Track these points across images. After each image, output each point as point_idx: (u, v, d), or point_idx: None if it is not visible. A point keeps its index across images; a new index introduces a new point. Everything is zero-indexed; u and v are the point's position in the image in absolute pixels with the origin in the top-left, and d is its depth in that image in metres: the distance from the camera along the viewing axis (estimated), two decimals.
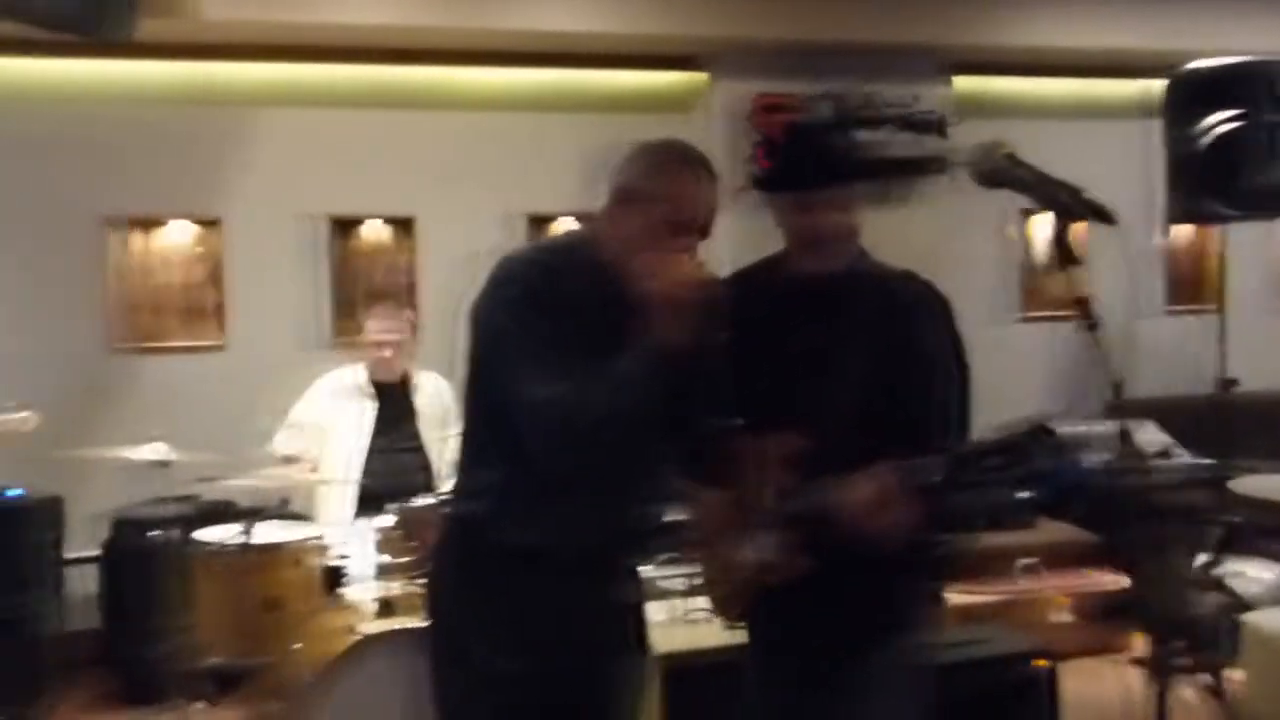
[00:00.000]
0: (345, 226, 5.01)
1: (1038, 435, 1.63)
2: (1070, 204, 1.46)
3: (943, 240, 4.83)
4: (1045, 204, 1.52)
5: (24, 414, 2.99)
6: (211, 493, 3.99)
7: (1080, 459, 3.77)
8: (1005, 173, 1.48)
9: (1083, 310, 1.36)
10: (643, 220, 1.83)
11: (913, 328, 1.95)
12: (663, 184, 1.84)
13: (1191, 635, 3.34)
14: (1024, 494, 4.38)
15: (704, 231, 1.87)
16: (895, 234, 2.58)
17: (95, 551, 4.34)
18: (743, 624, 2.16)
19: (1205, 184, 4.28)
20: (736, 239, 5.03)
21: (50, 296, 4.67)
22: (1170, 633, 3.04)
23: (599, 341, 1.76)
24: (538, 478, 1.79)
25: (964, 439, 1.93)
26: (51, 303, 4.67)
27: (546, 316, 1.76)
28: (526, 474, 1.79)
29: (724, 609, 2.17)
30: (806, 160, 2.03)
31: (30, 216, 4.62)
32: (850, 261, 2.03)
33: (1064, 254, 1.40)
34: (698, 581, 2.23)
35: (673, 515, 2.16)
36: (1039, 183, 1.48)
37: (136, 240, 4.80)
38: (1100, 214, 1.47)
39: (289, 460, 3.72)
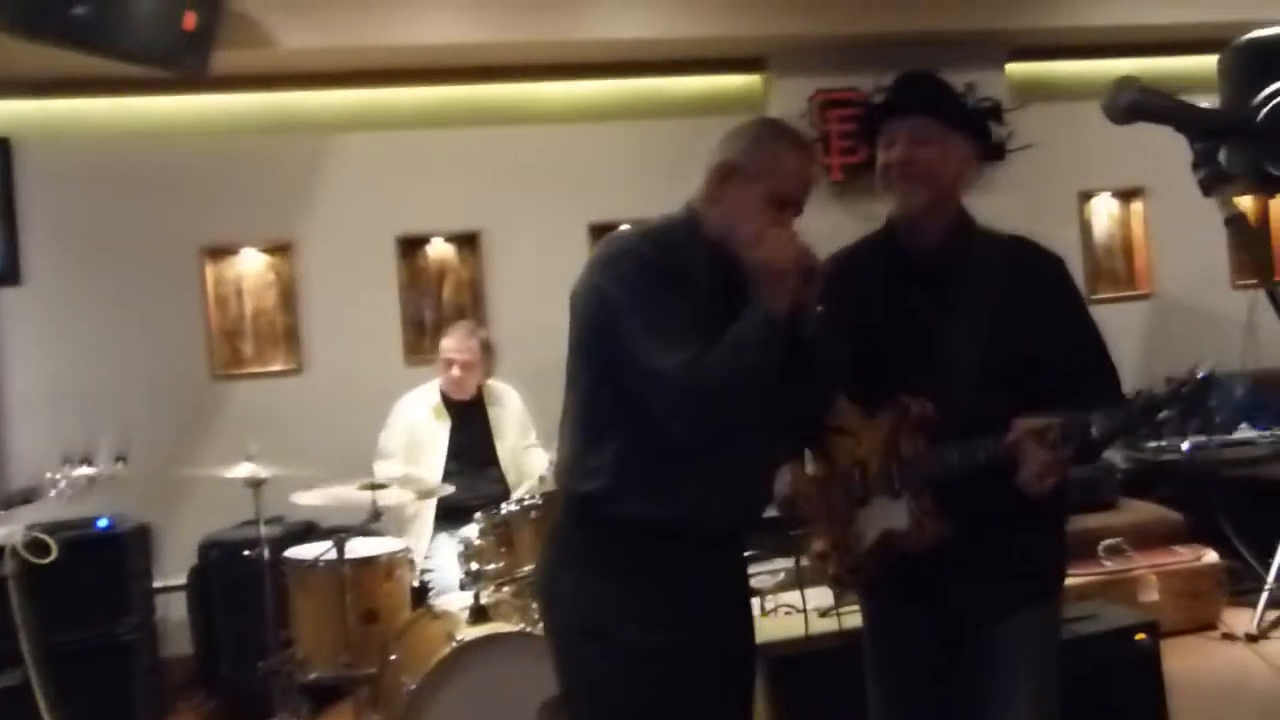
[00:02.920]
0: (413, 245, 5.09)
1: (1208, 385, 1.67)
2: (1213, 123, 1.47)
3: (1012, 226, 4.78)
4: (1186, 129, 1.52)
5: (119, 464, 3.05)
6: (296, 514, 4.09)
7: None
8: (1141, 104, 1.49)
9: (1239, 225, 1.39)
10: (745, 195, 1.87)
11: (1032, 285, 2.01)
12: (763, 159, 1.89)
13: None
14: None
15: (801, 206, 1.93)
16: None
17: (183, 579, 4.45)
18: (863, 594, 2.18)
19: (1264, 152, 4.21)
20: (820, 228, 5.08)
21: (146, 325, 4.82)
22: None
23: (711, 313, 1.81)
24: (661, 450, 1.80)
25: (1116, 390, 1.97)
26: (150, 331, 4.82)
27: (663, 289, 1.80)
28: (649, 447, 1.81)
29: (846, 582, 2.16)
30: (914, 91, 2.12)
31: (122, 248, 4.78)
32: (953, 230, 2.07)
33: (1216, 174, 1.41)
34: (808, 558, 2.20)
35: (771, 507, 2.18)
36: (1177, 109, 1.49)
37: (227, 268, 4.95)
38: (1238, 128, 1.47)
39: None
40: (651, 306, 1.79)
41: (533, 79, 5.00)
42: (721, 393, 1.76)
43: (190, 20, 3.88)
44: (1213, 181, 1.44)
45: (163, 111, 4.76)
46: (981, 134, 2.15)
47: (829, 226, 5.61)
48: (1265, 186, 4.49)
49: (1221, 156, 1.54)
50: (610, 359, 1.83)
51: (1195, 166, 1.46)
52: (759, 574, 3.86)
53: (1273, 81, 4.32)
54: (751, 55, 5.22)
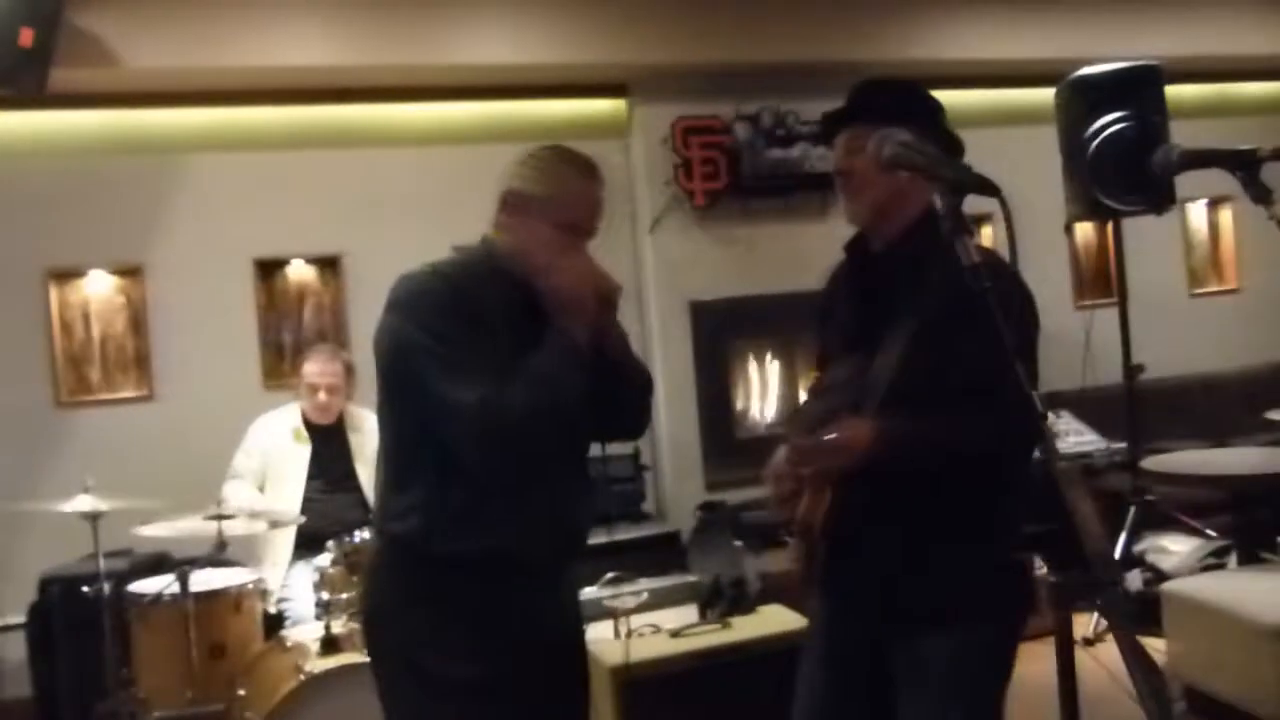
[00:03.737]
0: (270, 269, 4.98)
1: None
2: (958, 179, 1.60)
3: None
4: (936, 180, 1.65)
5: None
6: (146, 545, 3.94)
7: None
8: (900, 157, 1.60)
9: (975, 277, 1.47)
10: (535, 223, 1.89)
11: (964, 300, 1.70)
12: (550, 186, 1.91)
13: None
14: None
15: (593, 231, 1.95)
16: None
17: (23, 617, 4.22)
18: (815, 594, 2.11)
19: (1096, 181, 4.48)
20: (683, 253, 5.20)
21: None
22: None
23: (512, 344, 1.83)
24: (469, 486, 1.81)
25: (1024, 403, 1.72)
26: None
27: (459, 325, 1.80)
28: (457, 484, 1.81)
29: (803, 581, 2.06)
30: (852, 98, 2.05)
31: None
32: (911, 234, 1.98)
33: (959, 223, 1.52)
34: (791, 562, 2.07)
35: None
36: (930, 163, 1.60)
37: (72, 291, 4.75)
38: (986, 187, 1.58)
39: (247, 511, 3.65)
40: (448, 344, 1.79)
41: (394, 101, 4.96)
42: (522, 425, 1.76)
43: (27, 37, 3.73)
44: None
45: (0, 130, 4.56)
46: (932, 123, 2.00)
47: (691, 251, 5.79)
48: (1097, 213, 4.78)
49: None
50: (412, 399, 1.83)
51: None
52: (622, 594, 3.91)
53: (1101, 115, 4.63)
54: (615, 81, 5.30)
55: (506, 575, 1.85)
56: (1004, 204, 1.57)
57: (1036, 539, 2.11)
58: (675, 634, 3.08)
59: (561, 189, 1.91)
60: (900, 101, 2.02)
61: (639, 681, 2.93)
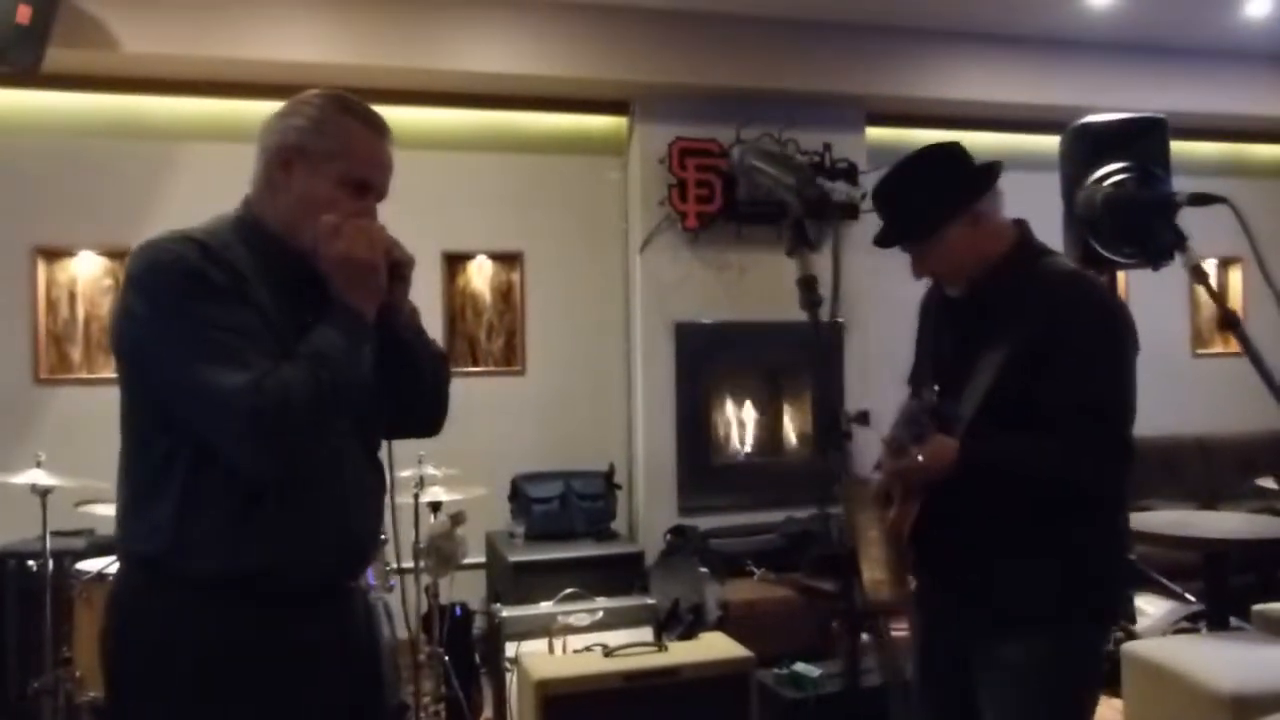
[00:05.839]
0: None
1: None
2: (798, 195, 1.53)
3: (865, 285, 4.94)
4: (775, 194, 1.61)
5: None
6: (109, 526, 3.93)
7: None
8: (750, 168, 1.55)
9: (808, 289, 1.42)
10: (314, 181, 1.60)
11: (1057, 327, 1.95)
12: (331, 139, 1.61)
13: None
14: None
15: (381, 192, 1.68)
16: None
17: None
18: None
19: (1095, 232, 4.41)
20: (672, 274, 5.17)
21: None
22: None
23: (281, 322, 1.55)
24: (227, 493, 1.51)
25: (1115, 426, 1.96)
26: None
27: (212, 300, 1.49)
28: (215, 490, 1.51)
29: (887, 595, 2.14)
30: (886, 226, 2.13)
31: None
32: (1004, 264, 2.05)
33: (800, 239, 1.47)
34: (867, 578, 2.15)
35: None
36: (773, 179, 1.55)
37: (60, 270, 4.79)
38: (821, 203, 1.53)
39: None
40: (198, 324, 1.47)
41: (392, 103, 4.96)
42: (298, 412, 1.46)
43: (24, 14, 3.78)
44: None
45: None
46: (963, 198, 2.05)
47: (680, 272, 5.75)
48: (1093, 264, 4.71)
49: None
50: (154, 393, 1.53)
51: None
52: (575, 611, 3.86)
53: (1103, 165, 4.58)
54: (618, 98, 5.30)
55: (270, 600, 1.54)
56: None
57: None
58: (609, 653, 3.03)
59: (345, 141, 1.62)
60: (933, 199, 2.05)
61: (564, 697, 2.87)
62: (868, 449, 1.98)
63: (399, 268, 1.65)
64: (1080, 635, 2.00)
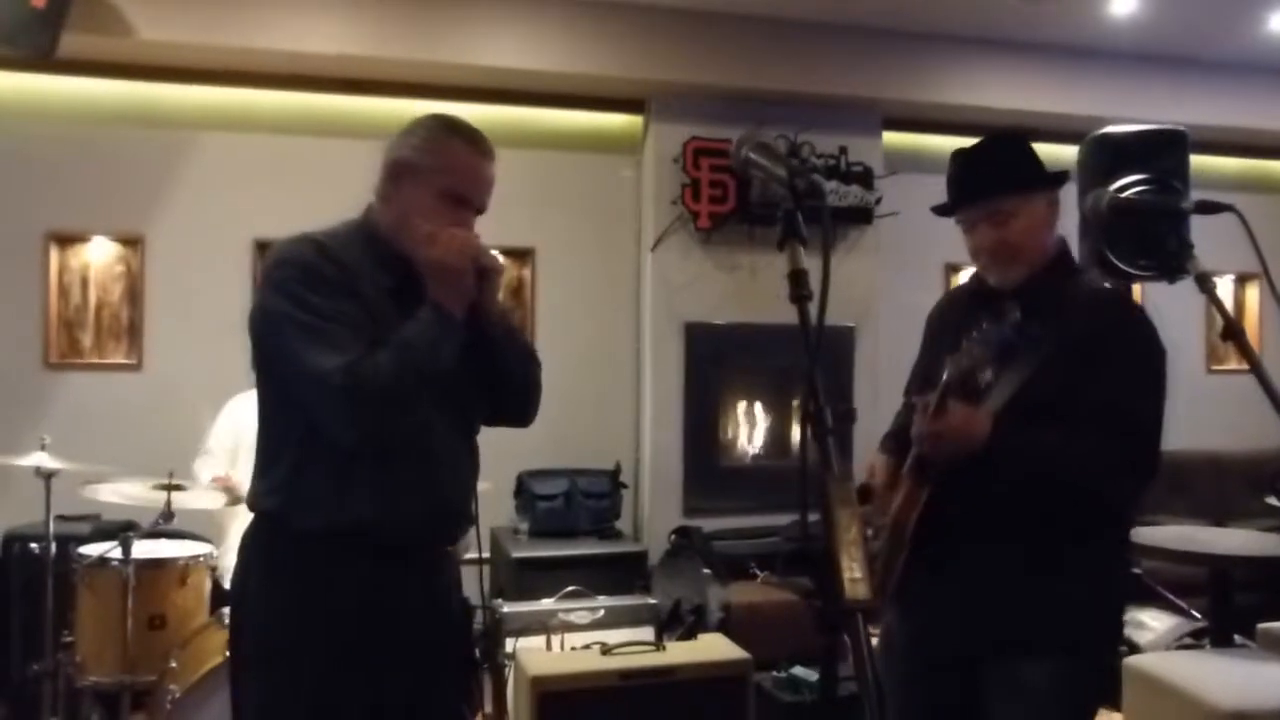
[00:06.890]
0: (268, 250, 5.00)
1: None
2: (788, 185, 1.48)
3: (875, 290, 4.99)
4: (768, 188, 1.58)
5: None
6: (115, 512, 3.94)
7: None
8: (746, 161, 1.53)
9: (796, 283, 1.38)
10: (417, 193, 1.84)
11: (1092, 341, 1.94)
12: (435, 156, 1.85)
13: None
14: None
15: (479, 205, 1.90)
16: None
17: None
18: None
19: (1111, 243, 4.38)
20: (683, 274, 5.17)
21: None
22: None
23: (385, 314, 1.78)
24: (330, 460, 1.75)
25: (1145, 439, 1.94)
26: None
27: (325, 293, 1.75)
28: (322, 457, 1.76)
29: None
30: (981, 173, 2.08)
31: None
32: (1046, 269, 2.05)
33: (790, 231, 1.44)
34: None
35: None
36: (765, 171, 1.52)
37: (73, 255, 4.81)
38: (811, 194, 1.48)
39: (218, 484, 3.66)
40: (310, 311, 1.73)
41: (405, 96, 4.97)
42: (384, 394, 1.69)
43: None
44: None
45: (7, 91, 4.64)
46: (1053, 178, 2.08)
47: (691, 272, 5.74)
48: (1109, 274, 4.68)
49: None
50: (278, 371, 1.80)
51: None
52: (576, 609, 3.86)
53: (1122, 176, 4.54)
54: (634, 96, 5.29)
55: (368, 554, 1.78)
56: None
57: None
58: (606, 651, 3.03)
59: (446, 158, 1.85)
60: (1023, 161, 2.05)
61: (559, 694, 2.87)
62: (855, 446, 1.95)
63: (487, 273, 1.85)
64: (1100, 656, 2.01)
